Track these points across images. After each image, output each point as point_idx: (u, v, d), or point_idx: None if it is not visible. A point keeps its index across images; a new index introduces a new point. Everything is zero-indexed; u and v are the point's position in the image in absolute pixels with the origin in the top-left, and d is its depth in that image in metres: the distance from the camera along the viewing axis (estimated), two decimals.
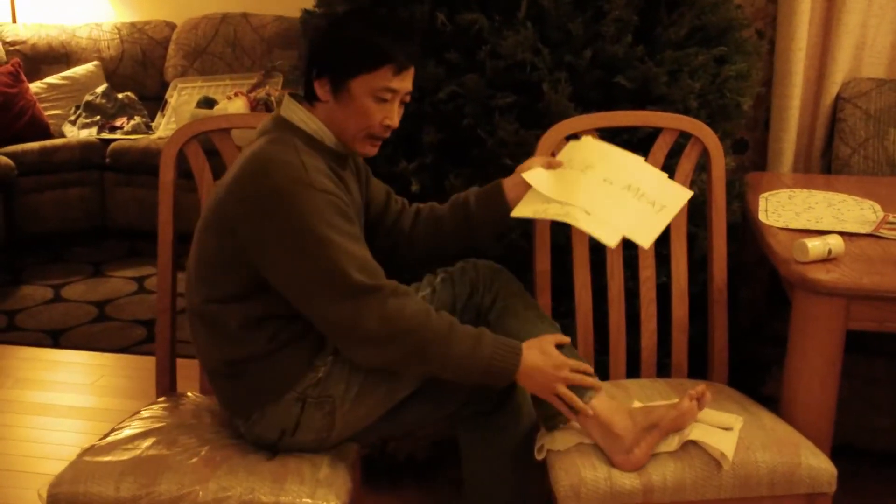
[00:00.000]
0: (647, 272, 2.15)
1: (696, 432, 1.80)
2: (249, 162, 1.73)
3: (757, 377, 2.58)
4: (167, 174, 2.08)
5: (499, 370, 1.76)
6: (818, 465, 1.81)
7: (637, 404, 1.91)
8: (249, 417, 1.80)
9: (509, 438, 1.94)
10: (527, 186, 1.97)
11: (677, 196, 2.03)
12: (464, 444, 2.00)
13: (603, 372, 2.15)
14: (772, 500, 1.82)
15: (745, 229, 2.47)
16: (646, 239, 1.96)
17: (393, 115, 1.80)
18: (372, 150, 1.85)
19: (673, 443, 1.80)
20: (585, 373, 1.81)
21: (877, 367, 2.60)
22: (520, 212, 1.97)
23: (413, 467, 2.42)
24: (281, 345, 1.77)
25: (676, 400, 1.86)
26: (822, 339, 1.93)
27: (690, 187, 2.12)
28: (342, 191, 1.78)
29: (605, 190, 1.97)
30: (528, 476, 1.97)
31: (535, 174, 1.97)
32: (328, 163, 1.78)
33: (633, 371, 2.17)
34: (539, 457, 1.87)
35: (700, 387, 1.82)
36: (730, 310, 2.18)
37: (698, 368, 2.20)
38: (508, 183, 2.00)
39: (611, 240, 1.91)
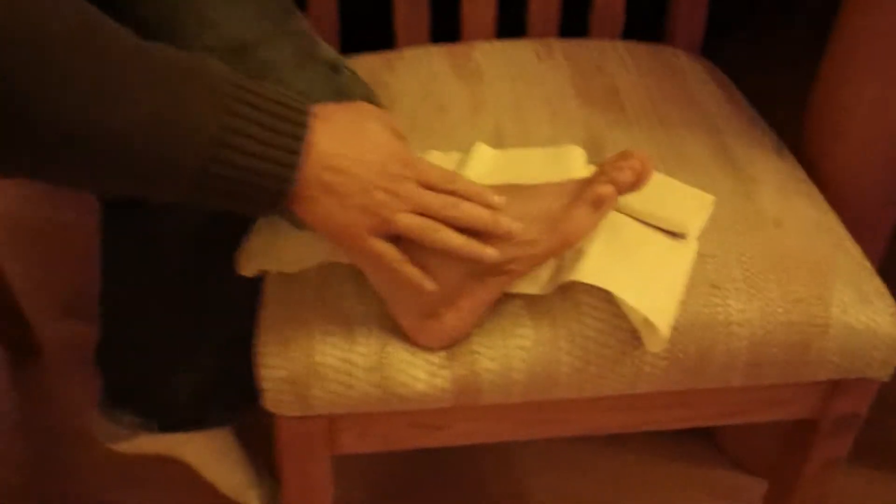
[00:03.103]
0: None
1: (593, 256, 0.74)
2: None
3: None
4: None
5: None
6: (868, 320, 0.78)
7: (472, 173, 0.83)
8: None
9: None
10: None
11: None
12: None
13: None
14: (742, 393, 0.82)
15: None
16: None
17: None
18: None
19: (538, 280, 0.75)
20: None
21: None
22: None
23: None
24: None
25: (579, 166, 0.82)
26: None
27: None
28: None
29: None
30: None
31: None
32: None
33: (514, 26, 1.06)
34: (247, 272, 0.83)
35: (636, 156, 0.71)
36: None
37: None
38: None
39: None
